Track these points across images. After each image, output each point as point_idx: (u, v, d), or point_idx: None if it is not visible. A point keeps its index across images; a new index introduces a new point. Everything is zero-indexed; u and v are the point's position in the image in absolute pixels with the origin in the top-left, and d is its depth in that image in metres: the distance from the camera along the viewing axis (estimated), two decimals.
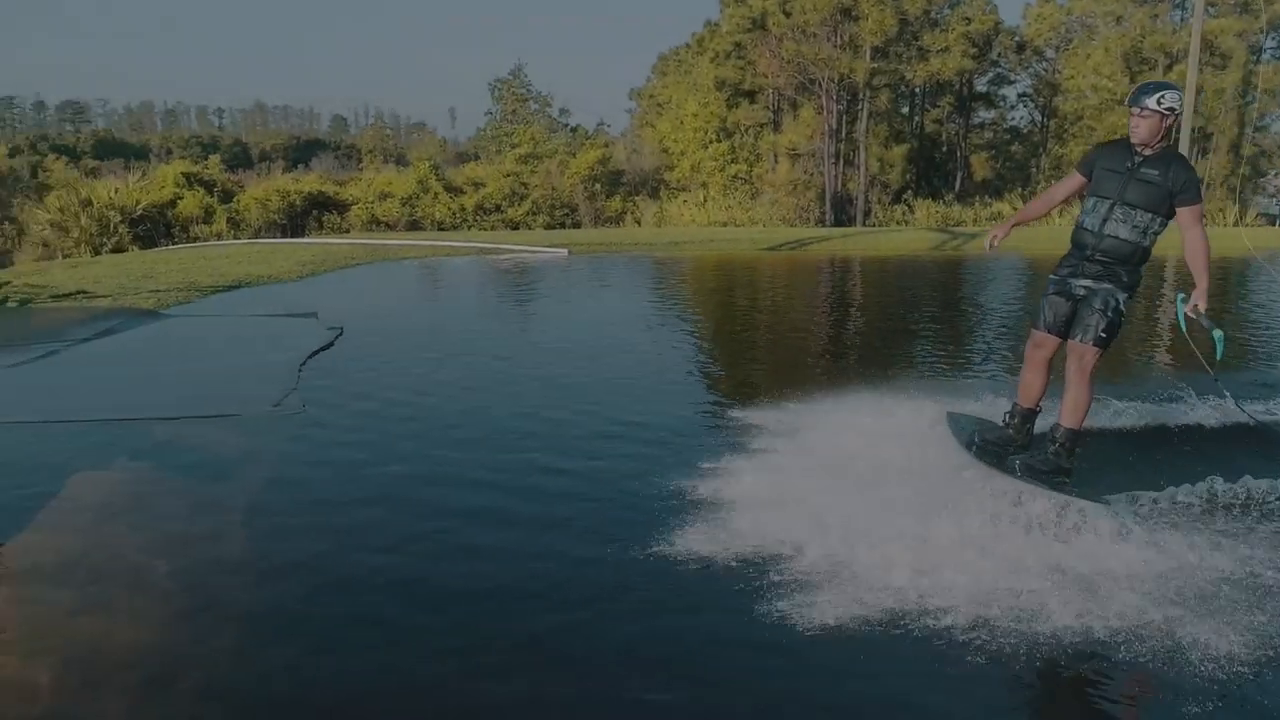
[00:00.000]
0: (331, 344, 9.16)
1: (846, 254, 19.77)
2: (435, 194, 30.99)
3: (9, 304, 11.57)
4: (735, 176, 31.61)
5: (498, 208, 31.51)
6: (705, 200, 30.96)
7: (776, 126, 32.57)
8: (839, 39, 30.55)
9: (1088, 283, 5.05)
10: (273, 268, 14.97)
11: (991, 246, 5.40)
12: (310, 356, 8.57)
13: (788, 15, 30.52)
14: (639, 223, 30.73)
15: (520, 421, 6.67)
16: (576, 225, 31.04)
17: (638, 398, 7.48)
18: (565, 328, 10.96)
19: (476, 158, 46.76)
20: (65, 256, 24.42)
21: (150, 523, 4.81)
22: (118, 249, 24.68)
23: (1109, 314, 4.97)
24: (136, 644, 3.64)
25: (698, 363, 9.16)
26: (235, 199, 29.56)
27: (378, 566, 4.35)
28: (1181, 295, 4.97)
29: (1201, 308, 4.78)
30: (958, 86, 34.03)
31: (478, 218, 30.80)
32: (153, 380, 7.92)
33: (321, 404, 7.01)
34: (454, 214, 30.45)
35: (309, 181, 32.52)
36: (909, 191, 31.85)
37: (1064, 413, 5.10)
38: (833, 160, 31.09)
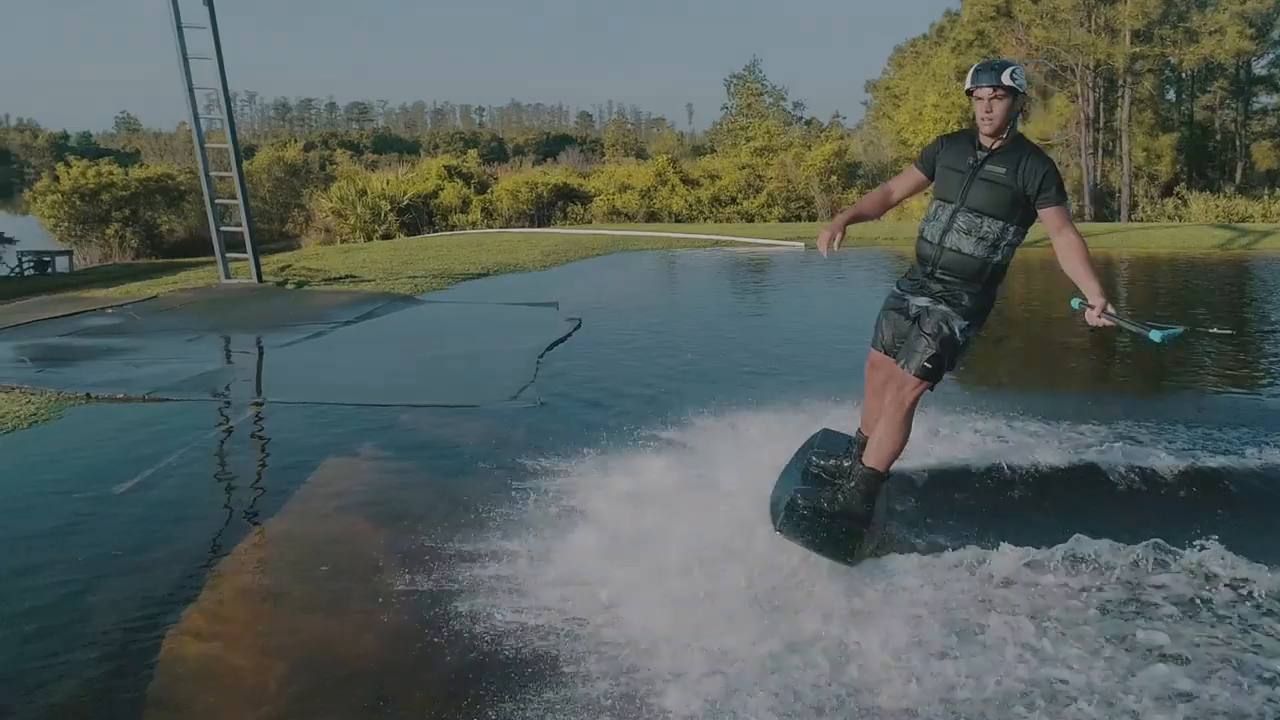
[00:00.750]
0: (569, 335, 9.08)
1: (1115, 251, 18.07)
2: (672, 186, 31.05)
3: (288, 286, 12.29)
4: None
5: (733, 200, 31.21)
6: None
7: (1024, 116, 30.47)
8: (1093, 23, 28.17)
9: (924, 302, 4.12)
10: (519, 256, 15.25)
11: (829, 251, 4.10)
12: (549, 348, 8.50)
13: (1036, 1, 28.44)
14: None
15: None
16: (812, 218, 30.27)
17: None
18: (802, 321, 10.46)
19: (712, 151, 46.65)
20: (342, 241, 26.15)
21: (389, 519, 4.73)
22: (386, 235, 26.17)
23: (939, 343, 4.00)
24: (362, 653, 3.50)
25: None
26: (489, 190, 30.74)
27: None
28: (1077, 301, 3.92)
29: (1108, 309, 3.74)
30: (1233, 70, 30.68)
31: (713, 209, 30.61)
32: (402, 365, 8.07)
33: (556, 395, 6.88)
34: (690, 206, 30.41)
35: (556, 174, 33.44)
36: (1180, 184, 28.99)
37: (869, 449, 4.19)
38: (1090, 151, 28.76)
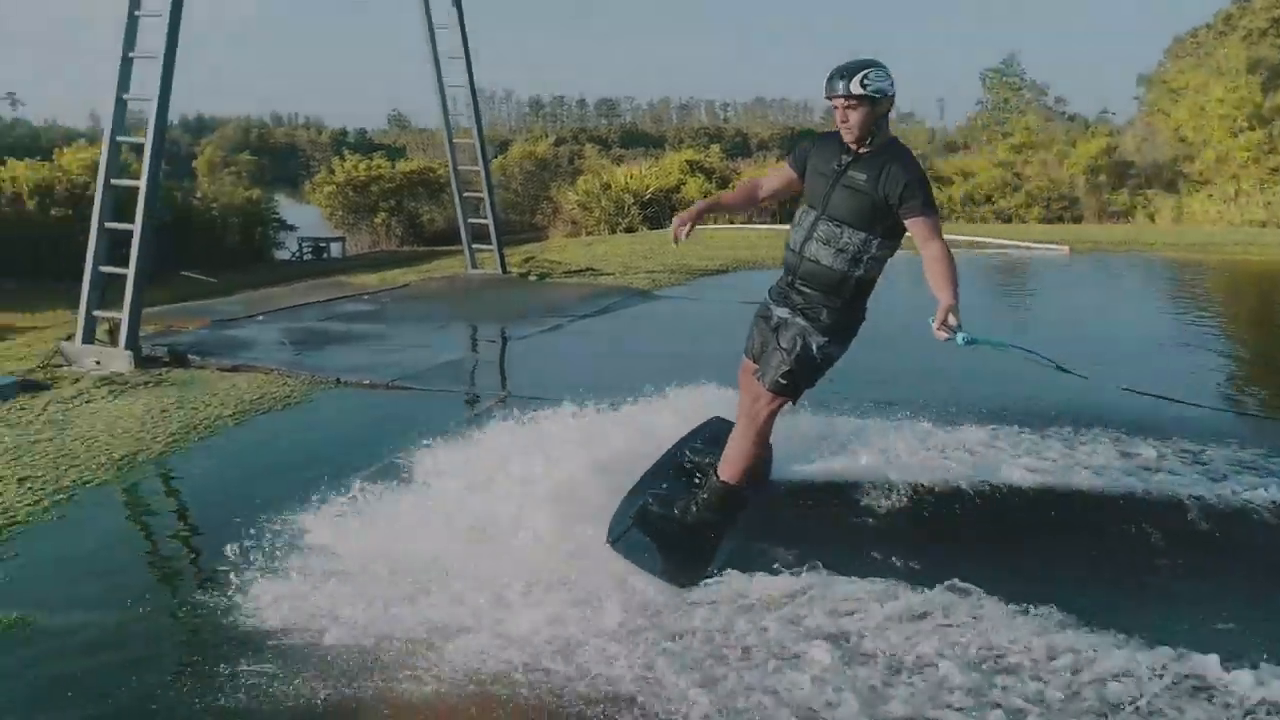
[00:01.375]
0: None
1: None
2: None
3: (530, 277, 12.37)
4: (1276, 169, 26.52)
5: (988, 199, 29.35)
6: (1236, 196, 26.32)
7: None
8: None
9: (785, 313, 3.86)
10: (758, 253, 14.74)
11: (678, 241, 3.84)
12: None
13: None
14: (1153, 219, 26.92)
15: None
16: (1077, 219, 27.96)
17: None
18: (1076, 342, 9.29)
19: (965, 148, 44.33)
20: (588, 234, 26.58)
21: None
22: (629, 229, 26.34)
23: (794, 358, 3.74)
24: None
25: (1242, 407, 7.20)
26: (730, 185, 30.39)
27: None
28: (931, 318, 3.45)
29: (951, 321, 3.38)
30: None
31: (966, 209, 28.89)
32: (632, 362, 7.75)
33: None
34: (941, 205, 28.81)
35: None
36: None
37: (722, 460, 3.95)
38: None
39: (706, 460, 4.25)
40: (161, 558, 4.22)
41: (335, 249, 27.00)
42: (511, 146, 40.33)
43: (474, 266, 12.70)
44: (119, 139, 7.54)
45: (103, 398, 6.37)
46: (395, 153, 52.16)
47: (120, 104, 7.45)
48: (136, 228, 7.20)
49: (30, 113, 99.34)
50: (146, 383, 6.74)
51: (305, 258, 26.02)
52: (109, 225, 7.37)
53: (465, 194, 12.43)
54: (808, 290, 3.80)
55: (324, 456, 5.15)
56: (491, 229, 12.33)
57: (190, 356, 7.41)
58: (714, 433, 4.54)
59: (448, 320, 9.58)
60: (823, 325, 3.77)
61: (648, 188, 28.65)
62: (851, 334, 3.88)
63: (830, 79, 3.59)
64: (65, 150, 23.90)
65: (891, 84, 3.60)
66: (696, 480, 4.22)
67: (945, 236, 3.64)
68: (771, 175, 4.10)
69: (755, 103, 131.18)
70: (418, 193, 30.13)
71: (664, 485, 4.19)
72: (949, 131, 67.48)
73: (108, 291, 7.47)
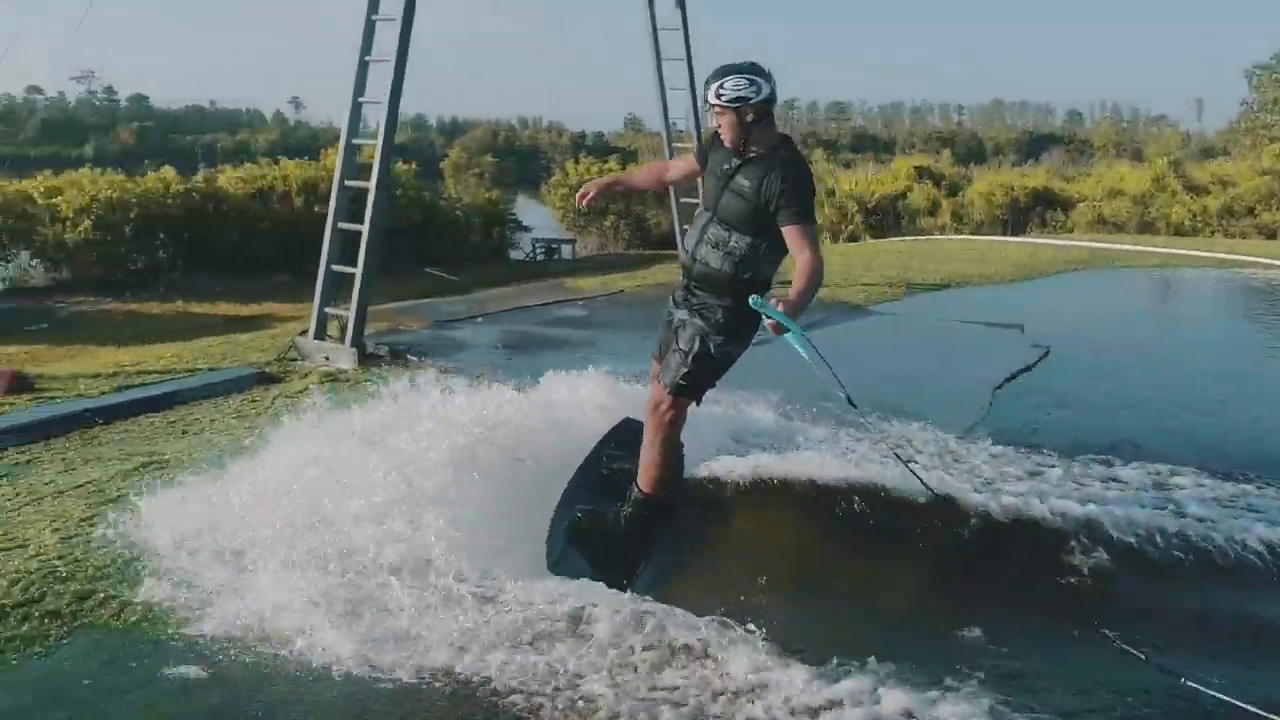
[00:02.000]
0: (1032, 366, 7.81)
1: None
2: (1173, 193, 26.97)
3: None
4: None
5: (1250, 211, 26.42)
6: None
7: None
8: None
9: (684, 315, 3.85)
10: (985, 267, 13.86)
11: (582, 205, 4.24)
12: (1008, 380, 7.34)
13: None
14: None
15: None
16: None
17: None
18: None
19: (1225, 153, 40.26)
20: None
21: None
22: (852, 238, 25.63)
23: (692, 359, 3.72)
24: None
25: None
26: (961, 192, 28.93)
27: None
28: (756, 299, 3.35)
29: (779, 307, 3.27)
30: None
31: (1223, 222, 26.16)
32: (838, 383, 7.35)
33: (1004, 437, 5.78)
34: (1194, 216, 26.18)
35: (1036, 176, 30.60)
36: None
37: (639, 470, 3.92)
38: None
39: (625, 467, 4.17)
40: None
41: (566, 250, 27.78)
42: None
43: None
44: (354, 141, 7.91)
45: (322, 395, 6.71)
46: (629, 156, 53.35)
47: (356, 107, 7.80)
48: (364, 229, 7.54)
49: (311, 115, 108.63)
50: (366, 380, 7.06)
51: (538, 258, 26.92)
52: (341, 226, 7.75)
53: (682, 199, 12.37)
54: (701, 292, 3.79)
55: None
56: None
57: (409, 356, 7.71)
58: (627, 436, 4.39)
59: (654, 328, 9.51)
60: (718, 325, 3.74)
61: (873, 194, 27.75)
62: (749, 333, 3.81)
63: (705, 83, 3.64)
64: (330, 151, 25.83)
65: (759, 88, 3.58)
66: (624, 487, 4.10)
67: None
68: (679, 161, 4.19)
69: (993, 105, 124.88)
70: (647, 197, 30.52)
71: (588, 498, 4.12)
72: (1206, 135, 61.73)
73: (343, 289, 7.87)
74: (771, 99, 3.63)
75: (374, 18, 7.61)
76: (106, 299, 17.58)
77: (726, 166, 3.71)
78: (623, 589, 3.72)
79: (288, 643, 3.46)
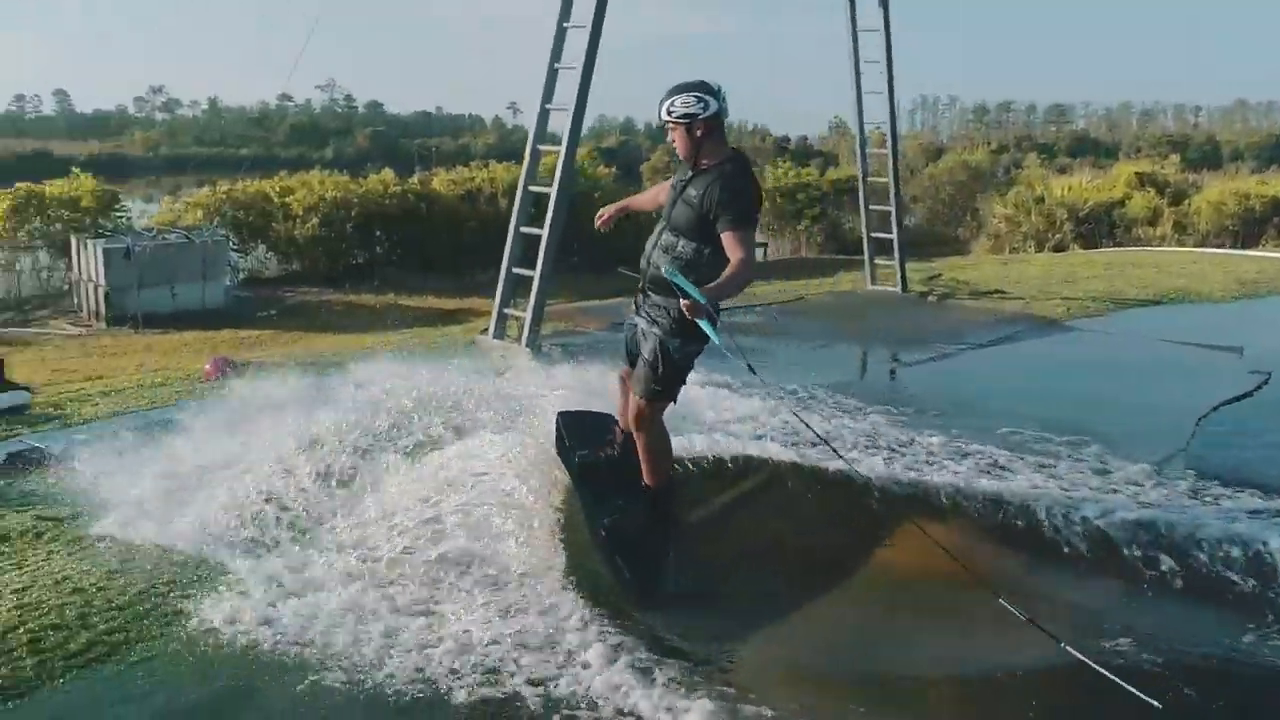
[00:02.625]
0: (1252, 393, 7.01)
1: None
2: None
3: (930, 298, 11.59)
4: None
5: None
6: None
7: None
8: None
9: (642, 323, 4.02)
10: (1204, 283, 12.60)
11: (600, 228, 4.34)
12: (1218, 407, 6.61)
13: None
14: None
15: None
16: None
17: None
18: None
19: None
20: (1012, 250, 24.71)
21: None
22: (1059, 247, 24.05)
23: (658, 367, 3.90)
24: None
25: None
26: (1185, 200, 26.58)
27: None
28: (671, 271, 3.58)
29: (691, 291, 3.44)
30: None
31: None
32: (1019, 404, 6.77)
33: (1210, 473, 5.18)
34: None
35: (1276, 184, 27.71)
36: None
37: (643, 470, 4.22)
38: None
39: (605, 453, 4.37)
40: None
41: (757, 253, 27.53)
42: (945, 155, 38.60)
43: (873, 282, 12.15)
44: (539, 147, 8.04)
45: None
46: (830, 160, 52.33)
47: (543, 113, 7.91)
48: (544, 233, 7.65)
49: (526, 120, 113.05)
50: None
51: None
52: (523, 230, 7.91)
53: (872, 206, 11.93)
54: (654, 295, 3.93)
55: None
56: (895, 243, 11.69)
57: (580, 358, 7.77)
58: (574, 425, 4.58)
59: (829, 338, 9.19)
60: (672, 329, 3.88)
61: (1085, 202, 25.96)
62: (695, 336, 3.86)
63: (659, 101, 3.85)
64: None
65: (706, 105, 3.76)
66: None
67: None
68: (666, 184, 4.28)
69: (1236, 106, 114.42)
70: (842, 201, 29.87)
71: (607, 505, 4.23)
72: None
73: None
74: (719, 114, 3.81)
75: (564, 24, 7.70)
76: (328, 290, 18.83)
77: (681, 178, 3.95)
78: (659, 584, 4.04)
79: None
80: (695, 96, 3.80)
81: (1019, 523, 4.42)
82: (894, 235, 11.67)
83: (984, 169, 34.92)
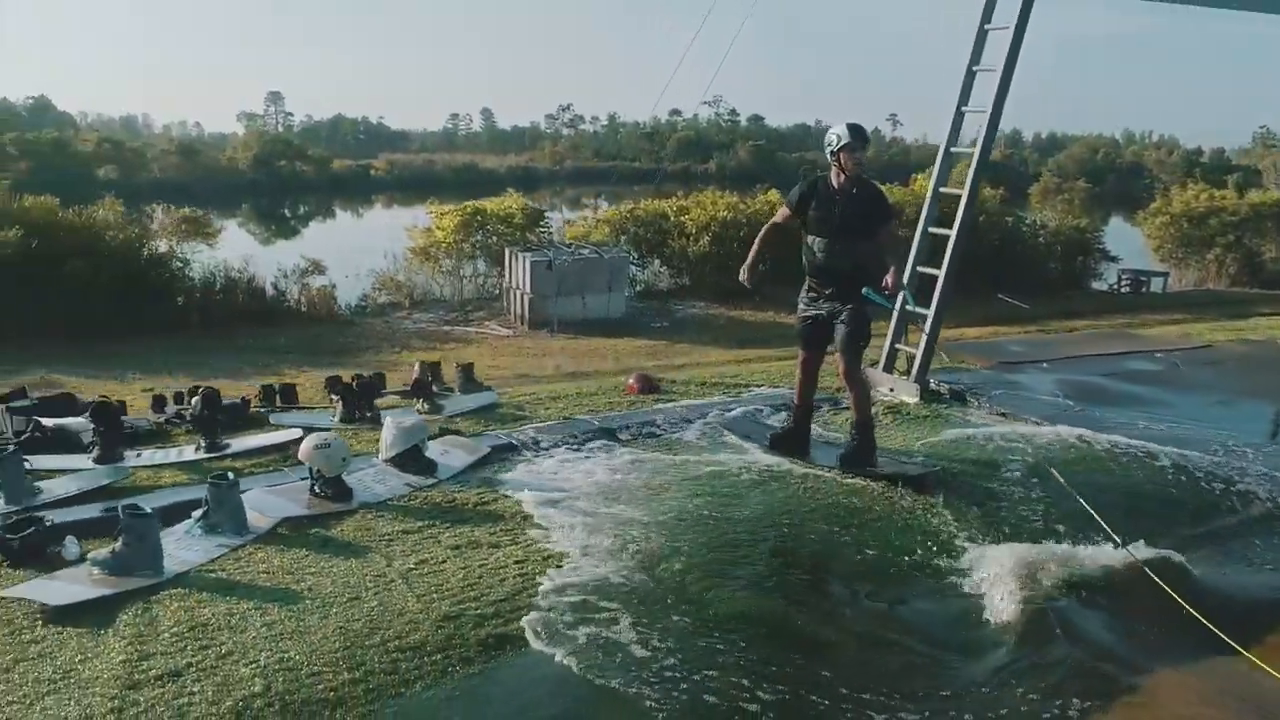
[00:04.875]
0: None
1: None
2: None
3: None
4: None
5: None
6: None
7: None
8: None
9: (828, 306, 6.18)
10: None
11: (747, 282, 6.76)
12: None
13: None
14: None
15: None
16: None
17: None
18: None
19: None
20: None
21: None
22: None
23: (857, 335, 6.12)
24: None
25: None
26: None
27: None
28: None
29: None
30: None
31: None
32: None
33: None
34: None
35: None
36: None
37: (854, 411, 6.23)
38: None
39: (781, 427, 6.79)
40: None
41: (1156, 284, 25.32)
42: None
43: None
44: (952, 150, 8.24)
45: (891, 423, 7.34)
46: (1251, 177, 46.40)
47: (958, 115, 8.08)
48: (940, 273, 7.92)
49: (906, 132, 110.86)
50: (925, 416, 7.54)
51: (1123, 290, 24.93)
52: (931, 230, 8.16)
53: None
54: (834, 286, 6.10)
55: None
56: None
57: (969, 397, 8.01)
58: (742, 423, 7.19)
59: (1238, 394, 8.59)
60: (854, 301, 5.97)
61: None
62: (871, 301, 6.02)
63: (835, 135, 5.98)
64: (919, 177, 26.26)
65: (835, 141, 5.94)
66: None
67: None
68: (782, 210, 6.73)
69: None
70: (1265, 228, 26.62)
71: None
72: None
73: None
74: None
75: (986, 27, 7.82)
76: (715, 305, 20.14)
77: (838, 195, 5.92)
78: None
79: None
80: (831, 132, 5.99)
81: None
82: None
83: None
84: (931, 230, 8.17)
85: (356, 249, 22.37)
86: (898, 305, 7.23)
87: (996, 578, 4.66)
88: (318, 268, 18.18)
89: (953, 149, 8.22)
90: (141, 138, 74.00)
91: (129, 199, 20.34)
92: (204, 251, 17.73)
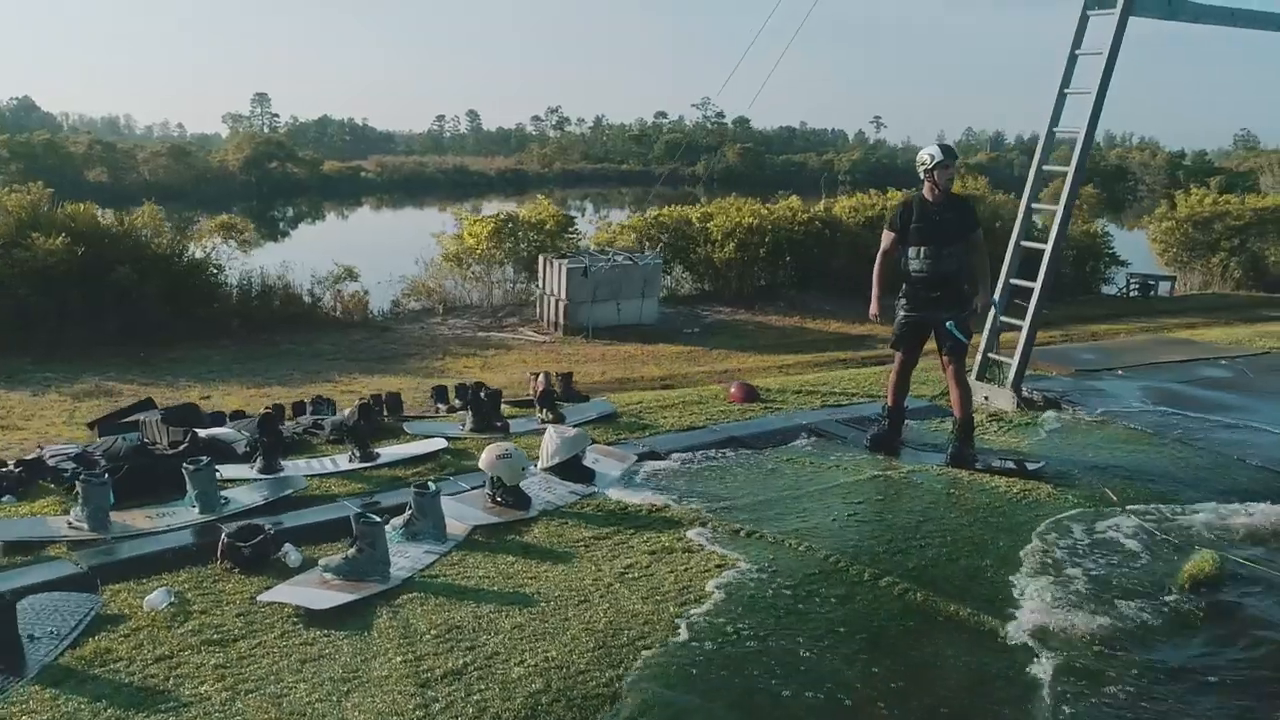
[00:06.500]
0: None
1: None
2: None
3: None
4: None
5: None
6: None
7: None
8: None
9: (931, 312, 6.78)
10: None
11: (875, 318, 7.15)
12: None
13: None
14: None
15: None
16: None
17: None
18: None
19: None
20: None
21: None
22: None
23: (960, 332, 6.78)
24: None
25: None
26: None
27: None
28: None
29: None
30: None
31: None
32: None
33: None
34: None
35: None
36: None
37: (957, 410, 6.89)
38: None
39: (875, 429, 7.28)
40: None
41: (1163, 287, 25.96)
42: None
43: None
44: (1045, 168, 8.80)
45: (994, 431, 7.69)
46: (1237, 179, 47.40)
47: (1049, 135, 8.71)
48: (1036, 286, 8.34)
49: (889, 134, 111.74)
50: (1026, 424, 7.91)
51: (1131, 294, 25.53)
52: (1024, 244, 8.69)
53: None
54: (937, 293, 6.71)
55: None
56: None
57: (1062, 404, 8.38)
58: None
59: None
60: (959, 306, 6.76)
61: None
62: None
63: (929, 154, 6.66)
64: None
65: (929, 160, 6.67)
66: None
67: None
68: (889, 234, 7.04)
69: None
70: (1267, 231, 27.33)
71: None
72: None
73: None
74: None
75: (1077, 52, 8.39)
76: (739, 310, 20.49)
77: (935, 208, 6.62)
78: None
79: None
80: (924, 152, 6.71)
81: None
82: None
83: None
84: (1024, 244, 8.59)
85: (366, 251, 22.62)
86: (990, 317, 7.65)
87: None
88: (350, 274, 18.36)
89: (1045, 167, 8.70)
90: (124, 139, 73.42)
91: (119, 202, 20.40)
92: (238, 258, 17.87)
